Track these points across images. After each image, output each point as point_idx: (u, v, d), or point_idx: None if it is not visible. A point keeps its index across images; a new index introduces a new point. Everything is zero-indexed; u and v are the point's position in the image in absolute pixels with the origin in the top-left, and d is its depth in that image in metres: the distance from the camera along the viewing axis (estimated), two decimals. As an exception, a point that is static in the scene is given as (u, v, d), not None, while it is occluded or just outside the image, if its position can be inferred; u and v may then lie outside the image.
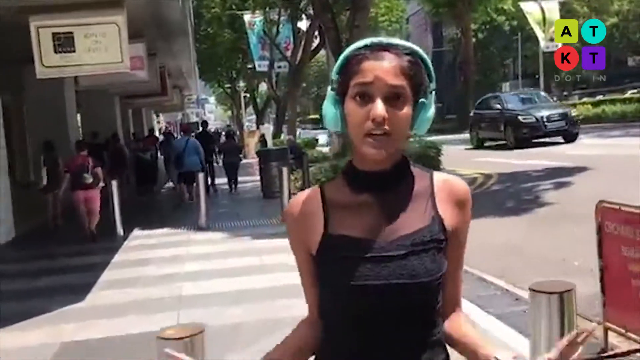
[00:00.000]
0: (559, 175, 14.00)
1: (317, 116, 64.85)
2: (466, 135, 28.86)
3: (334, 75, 1.68)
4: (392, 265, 1.61)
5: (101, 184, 11.93)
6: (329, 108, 1.68)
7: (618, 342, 4.99)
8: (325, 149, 24.84)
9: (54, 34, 11.56)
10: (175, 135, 27.55)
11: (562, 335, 2.99)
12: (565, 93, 59.15)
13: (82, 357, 5.58)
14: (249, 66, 38.38)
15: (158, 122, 53.39)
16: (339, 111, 1.65)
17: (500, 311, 6.14)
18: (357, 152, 1.67)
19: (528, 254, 8.07)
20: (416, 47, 1.66)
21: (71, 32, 11.61)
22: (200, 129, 20.56)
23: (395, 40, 1.65)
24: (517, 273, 7.32)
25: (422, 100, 1.64)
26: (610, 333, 4.98)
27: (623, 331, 4.79)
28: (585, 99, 42.77)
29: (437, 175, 1.74)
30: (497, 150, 23.13)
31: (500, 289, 6.88)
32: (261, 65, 33.20)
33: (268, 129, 35.43)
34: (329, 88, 1.69)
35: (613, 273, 4.79)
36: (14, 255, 10.97)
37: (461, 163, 18.06)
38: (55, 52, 11.59)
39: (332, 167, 13.05)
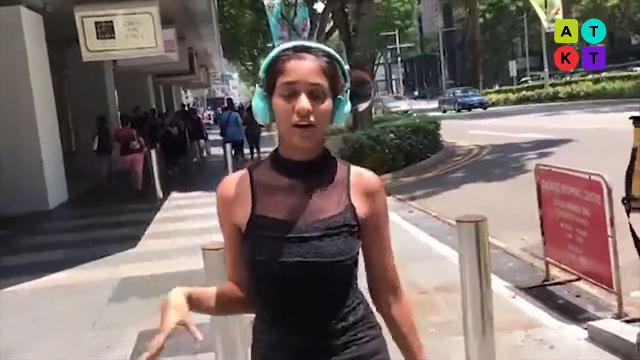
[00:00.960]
0: (545, 146, 15.06)
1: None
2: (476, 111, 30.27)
3: (261, 74, 1.79)
4: (308, 245, 1.72)
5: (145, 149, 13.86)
6: (258, 103, 1.80)
7: (557, 273, 6.11)
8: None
9: (96, 23, 12.73)
10: (199, 111, 28.76)
11: (478, 252, 4.10)
12: (571, 70, 59.50)
13: (139, 289, 6.80)
14: (269, 45, 39.36)
15: (186, 98, 54.59)
16: (267, 105, 1.78)
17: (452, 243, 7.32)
18: (284, 142, 1.80)
19: (503, 211, 9.13)
20: (332, 51, 1.78)
21: (111, 21, 12.78)
22: (226, 104, 21.78)
23: (315, 44, 1.77)
24: (491, 227, 8.42)
25: (339, 97, 1.77)
26: (550, 267, 6.10)
27: (558, 264, 5.92)
28: (589, 77, 43.21)
29: (354, 169, 1.85)
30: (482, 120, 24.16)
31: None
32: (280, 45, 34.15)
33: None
34: (257, 85, 1.81)
35: (548, 219, 5.93)
36: (70, 214, 12.33)
37: (460, 136, 19.09)
38: (98, 38, 12.77)
39: (343, 139, 14.07)
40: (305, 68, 1.71)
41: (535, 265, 6.64)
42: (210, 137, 23.62)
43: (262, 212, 1.78)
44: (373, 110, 21.40)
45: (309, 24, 31.44)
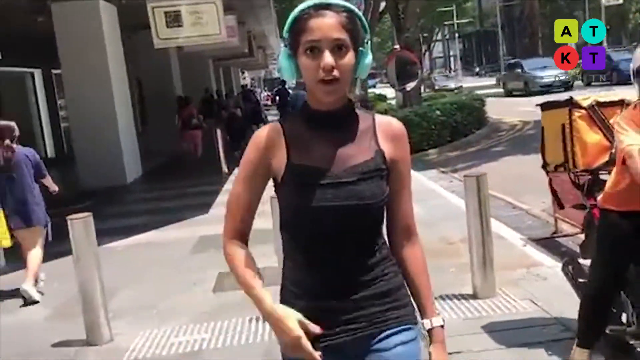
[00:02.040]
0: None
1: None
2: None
3: (285, 34, 1.90)
4: (345, 189, 1.89)
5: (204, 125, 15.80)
6: (284, 62, 1.93)
7: (567, 227, 7.30)
8: (393, 102, 27.04)
9: (165, 12, 14.17)
10: (257, 92, 30.25)
11: (479, 200, 5.35)
12: (634, 43, 58.75)
13: (216, 243, 8.24)
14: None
15: (243, 79, 56.28)
16: (293, 63, 1.91)
17: (496, 213, 8.57)
18: (312, 96, 1.94)
19: (533, 180, 10.25)
20: (351, 5, 1.89)
21: (179, 11, 14.21)
22: (280, 86, 23.24)
23: (334, 1, 1.87)
24: (520, 193, 9.65)
25: (361, 49, 1.91)
26: (559, 222, 7.29)
27: (566, 219, 7.09)
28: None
29: (378, 117, 2.02)
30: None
31: (503, 200, 9.29)
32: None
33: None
34: (282, 45, 1.94)
35: (557, 180, 7.12)
36: (146, 187, 14.00)
37: (509, 112, 20.10)
38: (167, 27, 14.22)
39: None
40: (327, 24, 1.83)
41: (550, 222, 7.84)
42: (270, 118, 25.08)
43: (297, 161, 1.92)
44: (422, 88, 22.42)
45: (363, 3, 32.50)
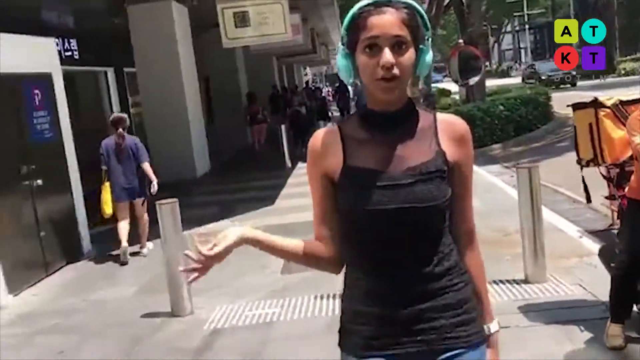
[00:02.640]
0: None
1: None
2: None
3: (343, 32, 1.90)
4: (402, 191, 1.86)
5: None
6: (341, 61, 1.93)
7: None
8: (457, 97, 27.47)
9: (234, 13, 15.06)
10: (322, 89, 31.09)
11: (531, 190, 5.93)
12: None
13: (280, 232, 9.02)
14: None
15: (305, 75, 57.25)
16: (350, 63, 1.90)
17: (557, 206, 9.12)
18: (370, 96, 1.93)
19: (598, 175, 10.82)
20: (411, 1, 1.87)
21: (247, 11, 15.07)
22: (340, 83, 23.99)
23: None
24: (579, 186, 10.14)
25: (421, 46, 1.89)
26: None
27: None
28: None
29: (440, 116, 1.98)
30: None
31: (564, 195, 9.84)
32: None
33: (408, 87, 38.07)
34: (340, 43, 1.94)
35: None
36: (215, 180, 14.94)
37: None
38: (235, 27, 15.09)
39: (455, 112, 15.88)
40: (386, 21, 1.81)
41: (609, 215, 8.36)
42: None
43: (354, 163, 1.92)
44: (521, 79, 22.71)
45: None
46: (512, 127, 15.93)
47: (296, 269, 6.88)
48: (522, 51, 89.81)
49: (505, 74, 67.58)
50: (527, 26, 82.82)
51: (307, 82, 35.54)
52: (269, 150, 18.44)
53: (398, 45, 1.83)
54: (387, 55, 1.81)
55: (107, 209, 8.41)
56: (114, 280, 7.71)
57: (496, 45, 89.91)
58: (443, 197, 1.90)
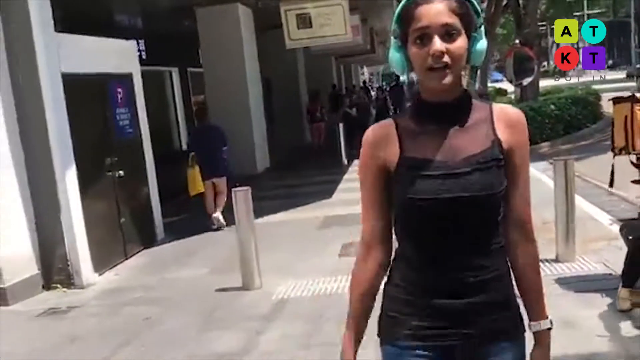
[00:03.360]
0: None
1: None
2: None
3: (394, 25, 1.94)
4: (460, 180, 1.89)
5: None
6: (393, 54, 1.97)
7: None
8: (512, 97, 27.83)
9: (297, 15, 15.82)
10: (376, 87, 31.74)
11: (566, 181, 6.56)
12: None
13: (338, 221, 9.77)
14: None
15: (362, 74, 57.94)
16: (403, 55, 1.94)
17: (595, 199, 9.68)
18: (424, 87, 1.96)
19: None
20: None
21: (309, 13, 15.80)
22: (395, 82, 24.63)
23: None
24: (624, 182, 10.65)
25: (473, 34, 1.91)
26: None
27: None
28: None
29: (495, 106, 2.01)
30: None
31: (603, 189, 10.38)
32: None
33: (463, 77, 38.51)
34: (392, 37, 1.97)
35: None
36: (275, 176, 15.79)
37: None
38: (298, 28, 15.85)
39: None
40: (435, 10, 1.83)
41: (640, 205, 8.90)
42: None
43: (411, 154, 1.94)
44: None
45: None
46: (561, 126, 16.38)
47: (353, 252, 7.59)
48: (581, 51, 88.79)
49: (562, 73, 66.98)
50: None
51: (364, 82, 36.24)
52: (326, 148, 19.19)
53: (448, 34, 1.85)
54: (437, 43, 1.83)
55: (200, 188, 10.24)
56: (187, 263, 8.53)
57: (555, 45, 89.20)
58: (500, 186, 1.93)
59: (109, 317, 6.66)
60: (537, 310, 2.07)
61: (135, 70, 9.74)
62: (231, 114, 15.30)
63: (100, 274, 8.08)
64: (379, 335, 2.09)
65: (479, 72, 11.18)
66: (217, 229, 10.15)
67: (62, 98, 7.61)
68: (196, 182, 10.28)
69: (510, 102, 22.46)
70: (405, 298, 2.01)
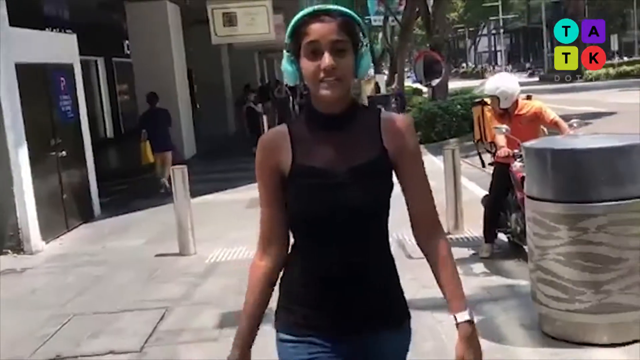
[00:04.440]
0: (589, 118, 18.44)
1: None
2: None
3: (287, 40, 2.06)
4: (350, 189, 2.04)
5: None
6: (286, 66, 2.10)
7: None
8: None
9: (223, 13, 16.90)
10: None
11: (454, 165, 8.03)
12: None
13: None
14: (367, 18, 43.08)
15: (284, 70, 59.19)
16: (295, 67, 2.08)
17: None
18: (315, 97, 2.08)
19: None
20: (349, 11, 2.04)
21: (234, 12, 16.90)
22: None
23: (333, 7, 2.04)
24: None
25: (360, 51, 2.07)
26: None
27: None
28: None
29: (384, 114, 2.16)
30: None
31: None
32: (376, 20, 37.96)
33: (382, 77, 40.16)
34: (285, 50, 2.10)
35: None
36: (203, 162, 16.93)
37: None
38: (224, 26, 16.92)
39: (419, 110, 17.95)
40: (327, 27, 1.98)
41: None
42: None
43: (301, 162, 2.08)
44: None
45: (405, 1, 34.75)
46: (467, 124, 17.94)
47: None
48: (499, 54, 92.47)
49: (480, 75, 70.06)
50: (501, 30, 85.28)
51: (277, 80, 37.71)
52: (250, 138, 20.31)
53: (337, 50, 2.00)
54: (327, 59, 1.98)
55: (151, 158, 12.75)
56: (124, 235, 9.60)
57: (473, 47, 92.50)
58: (385, 194, 2.09)
59: (61, 275, 7.71)
60: (453, 303, 2.14)
61: (75, 60, 10.73)
62: (159, 103, 16.29)
63: (46, 243, 9.07)
64: (275, 326, 2.22)
65: (397, 74, 13.00)
66: (165, 192, 11.62)
67: (16, 85, 8.60)
68: (147, 154, 12.68)
69: (424, 101, 24.16)
70: (297, 290, 2.17)
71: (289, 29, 2.05)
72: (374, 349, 2.16)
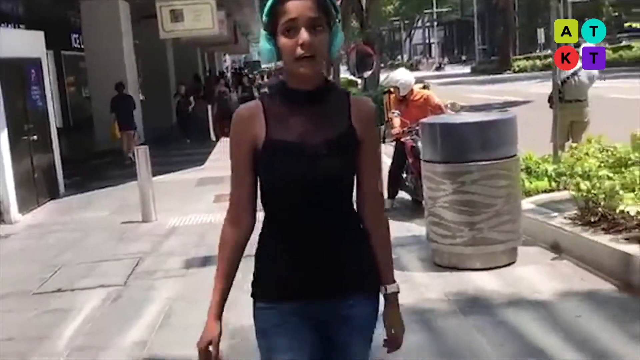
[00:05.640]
0: (508, 106, 20.32)
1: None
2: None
3: (264, 18, 2.15)
4: (318, 161, 2.15)
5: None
6: (264, 44, 2.18)
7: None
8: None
9: (170, 10, 18.03)
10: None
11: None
12: (609, 37, 62.40)
13: (211, 181, 12.31)
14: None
15: (224, 62, 60.19)
16: (273, 46, 2.15)
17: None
18: (290, 74, 2.18)
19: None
20: None
21: (181, 9, 18.04)
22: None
23: None
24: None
25: (333, 29, 2.16)
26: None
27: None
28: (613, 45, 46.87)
29: (352, 97, 2.27)
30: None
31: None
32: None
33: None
34: (262, 29, 2.18)
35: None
36: (152, 147, 17.95)
37: (457, 98, 24.17)
38: (171, 22, 18.04)
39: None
40: (303, 5, 2.07)
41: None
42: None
43: (275, 136, 2.17)
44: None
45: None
46: (394, 112, 19.76)
47: (223, 199, 10.18)
48: (433, 46, 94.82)
49: (414, 67, 72.15)
50: (435, 23, 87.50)
51: (226, 68, 38.93)
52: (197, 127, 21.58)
53: (314, 27, 2.08)
54: (305, 35, 2.06)
55: (118, 136, 15.78)
56: (89, 209, 10.87)
57: (408, 40, 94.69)
58: (353, 168, 2.23)
59: (42, 239, 9.00)
60: (386, 276, 2.36)
61: (42, 55, 11.93)
62: (111, 93, 17.45)
63: (22, 215, 10.30)
64: (252, 294, 2.33)
65: (333, 67, 14.19)
66: (130, 164, 13.35)
67: (-3, 77, 9.84)
68: (115, 132, 15.90)
69: (357, 92, 25.65)
70: (271, 260, 2.27)
71: (266, 7, 2.15)
72: (344, 313, 2.29)
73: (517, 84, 34.94)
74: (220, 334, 2.29)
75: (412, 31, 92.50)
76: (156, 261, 7.41)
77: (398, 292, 2.40)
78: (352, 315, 2.30)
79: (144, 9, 18.25)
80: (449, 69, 70.02)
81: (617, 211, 5.88)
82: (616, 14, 58.47)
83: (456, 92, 27.48)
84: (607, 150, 6.73)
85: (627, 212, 5.84)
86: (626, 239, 5.67)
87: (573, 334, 4.68)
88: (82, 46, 19.11)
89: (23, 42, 11.09)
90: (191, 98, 21.15)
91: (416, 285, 5.88)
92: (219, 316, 2.30)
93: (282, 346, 2.27)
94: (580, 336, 4.64)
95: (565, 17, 62.16)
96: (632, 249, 5.46)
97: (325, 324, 2.31)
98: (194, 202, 10.58)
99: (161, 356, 4.89)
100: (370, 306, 2.35)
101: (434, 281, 6.04)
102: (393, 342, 2.43)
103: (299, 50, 2.09)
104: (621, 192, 5.97)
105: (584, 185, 6.16)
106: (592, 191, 6.12)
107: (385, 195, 8.59)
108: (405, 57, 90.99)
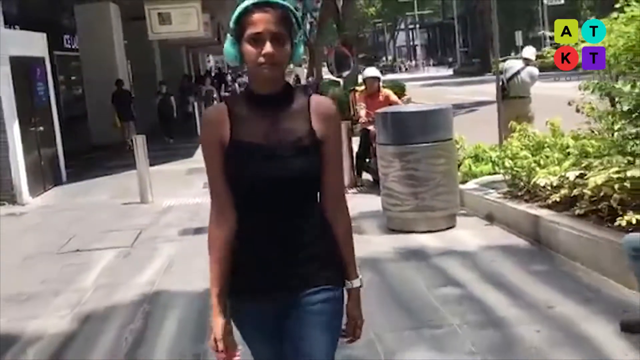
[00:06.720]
0: (479, 105, 21.88)
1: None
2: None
3: (232, 25, 2.32)
4: (280, 162, 2.28)
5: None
6: (229, 49, 2.35)
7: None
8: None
9: (158, 13, 19.37)
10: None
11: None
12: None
13: (200, 171, 13.65)
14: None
15: (208, 62, 61.53)
16: (236, 50, 2.32)
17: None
18: (253, 79, 2.36)
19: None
20: (287, 3, 2.29)
21: (169, 12, 19.35)
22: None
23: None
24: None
25: (295, 41, 2.33)
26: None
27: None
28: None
29: (313, 97, 2.40)
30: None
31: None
32: (295, 16, 40.63)
33: (302, 70, 42.96)
34: (228, 34, 2.35)
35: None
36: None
37: (434, 99, 25.64)
38: (159, 24, 19.37)
39: (331, 96, 20.90)
40: (268, 19, 2.24)
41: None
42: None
43: (239, 138, 2.31)
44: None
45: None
46: (372, 111, 21.23)
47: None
48: (418, 48, 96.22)
49: (398, 69, 73.85)
50: (417, 25, 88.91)
51: (210, 68, 40.27)
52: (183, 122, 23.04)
53: (277, 39, 2.26)
54: (268, 47, 2.24)
55: (119, 124, 18.42)
56: (91, 194, 12.30)
57: (392, 42, 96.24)
58: (316, 169, 2.36)
59: (53, 216, 10.44)
60: (351, 271, 2.50)
61: (45, 54, 13.37)
62: (104, 91, 18.83)
63: (32, 198, 11.72)
64: (229, 293, 2.44)
65: (315, 67, 15.87)
66: (129, 150, 14.00)
67: (10, 74, 11.23)
68: (116, 121, 18.52)
69: (338, 91, 27.09)
70: (238, 258, 2.40)
71: (234, 16, 2.31)
72: (307, 309, 2.38)
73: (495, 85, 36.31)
74: (229, 327, 2.45)
75: (396, 33, 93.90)
76: (156, 231, 8.87)
77: (361, 286, 2.53)
78: (314, 312, 2.39)
79: (132, 11, 19.66)
80: (434, 71, 71.56)
81: (532, 184, 7.37)
82: (593, 17, 59.58)
83: (435, 93, 29.16)
84: (529, 137, 8.24)
85: (540, 184, 7.34)
86: (540, 206, 7.17)
87: (486, 272, 6.18)
88: (74, 47, 20.47)
89: (29, 43, 12.54)
90: (172, 98, 21.81)
91: (371, 244, 7.31)
92: (223, 312, 2.42)
93: (255, 339, 2.52)
94: (491, 274, 6.14)
95: (543, 21, 64.67)
96: (541, 212, 6.95)
97: (291, 317, 2.41)
98: (186, 188, 12.01)
99: (167, 290, 6.34)
100: (336, 302, 2.45)
101: (386, 241, 7.49)
102: (352, 333, 2.57)
103: (261, 59, 2.26)
104: (537, 169, 7.46)
105: (508, 163, 7.69)
106: (515, 168, 7.63)
107: (352, 177, 10.13)
108: (390, 58, 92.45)
